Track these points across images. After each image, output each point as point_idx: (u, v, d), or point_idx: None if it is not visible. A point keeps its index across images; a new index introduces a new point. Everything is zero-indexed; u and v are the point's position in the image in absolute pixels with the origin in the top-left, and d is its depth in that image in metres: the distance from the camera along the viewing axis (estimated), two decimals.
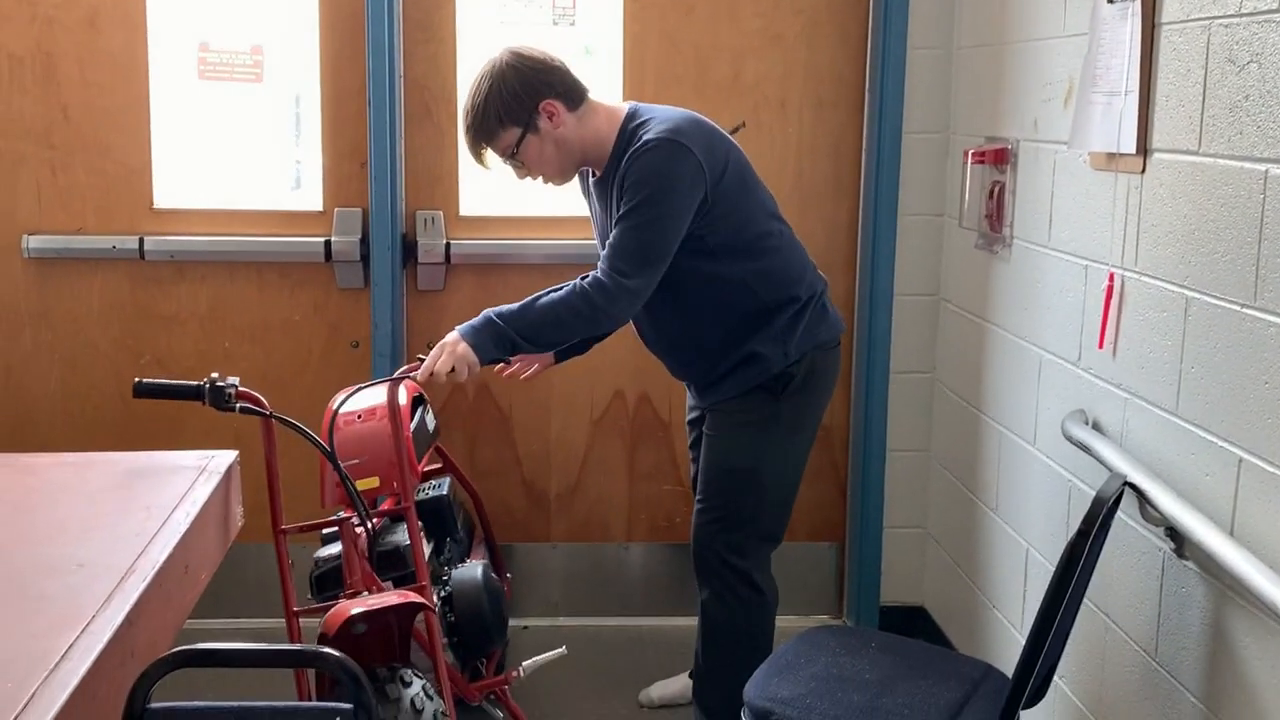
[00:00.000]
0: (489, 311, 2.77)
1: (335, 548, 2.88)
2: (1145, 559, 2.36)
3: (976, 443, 3.33)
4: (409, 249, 3.70)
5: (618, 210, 2.78)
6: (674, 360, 3.08)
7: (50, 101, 3.62)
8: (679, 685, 3.39)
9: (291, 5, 3.66)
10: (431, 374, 2.74)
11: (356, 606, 2.55)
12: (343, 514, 2.88)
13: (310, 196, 3.74)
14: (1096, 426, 2.57)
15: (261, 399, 2.70)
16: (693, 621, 3.17)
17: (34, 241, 3.65)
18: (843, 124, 3.73)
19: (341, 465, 2.76)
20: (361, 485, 2.80)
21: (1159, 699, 2.31)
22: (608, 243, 2.78)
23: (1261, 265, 1.97)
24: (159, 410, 3.71)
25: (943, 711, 2.32)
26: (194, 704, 1.68)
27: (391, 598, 2.64)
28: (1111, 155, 2.47)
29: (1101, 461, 2.43)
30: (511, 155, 2.84)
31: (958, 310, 3.51)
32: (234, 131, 3.72)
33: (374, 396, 2.94)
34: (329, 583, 2.84)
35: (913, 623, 3.74)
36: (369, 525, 2.83)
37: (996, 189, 3.15)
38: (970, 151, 3.24)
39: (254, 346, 3.73)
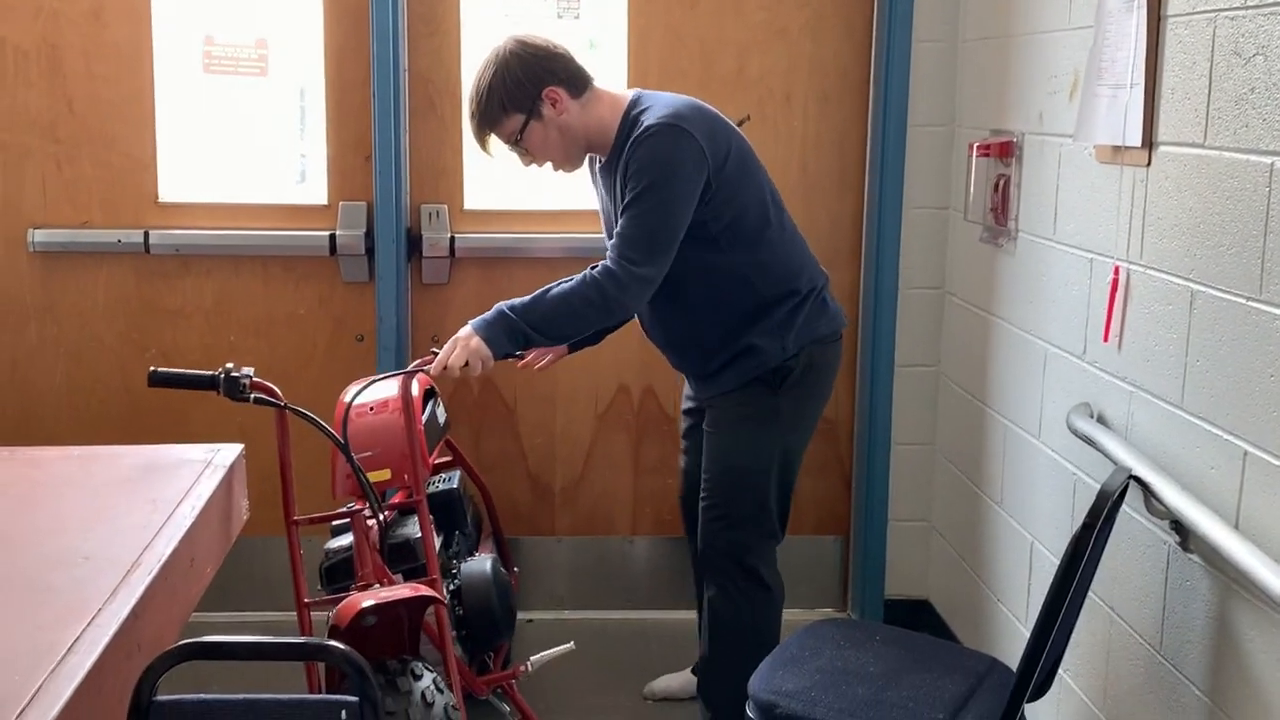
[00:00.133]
0: (502, 305, 2.76)
1: (345, 539, 2.88)
2: (1150, 552, 2.36)
3: (981, 436, 3.33)
4: (414, 243, 3.71)
5: (622, 198, 2.78)
6: (673, 351, 3.08)
7: (55, 95, 3.62)
8: (681, 680, 3.39)
9: None
10: (445, 368, 2.74)
11: (368, 599, 2.55)
12: (353, 506, 2.88)
13: (315, 190, 3.74)
14: (1101, 420, 2.56)
15: (276, 390, 2.69)
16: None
17: (39, 235, 3.65)
18: (847, 117, 3.73)
19: (354, 457, 2.76)
20: (373, 478, 2.80)
21: (1163, 692, 2.31)
22: (615, 232, 2.78)
23: (1267, 258, 1.97)
24: (164, 404, 3.73)
25: (947, 705, 2.32)
26: (200, 697, 1.68)
27: (403, 591, 2.64)
28: (1117, 148, 2.46)
29: (1106, 455, 2.42)
30: (515, 142, 2.86)
31: (963, 304, 3.51)
32: (239, 125, 3.73)
33: (386, 389, 2.94)
34: (339, 574, 2.84)
35: (917, 616, 3.74)
36: (381, 518, 2.83)
37: (1002, 182, 3.15)
38: (975, 145, 3.24)
39: (259, 340, 3.73)
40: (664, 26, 3.67)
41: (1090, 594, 2.46)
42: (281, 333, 3.75)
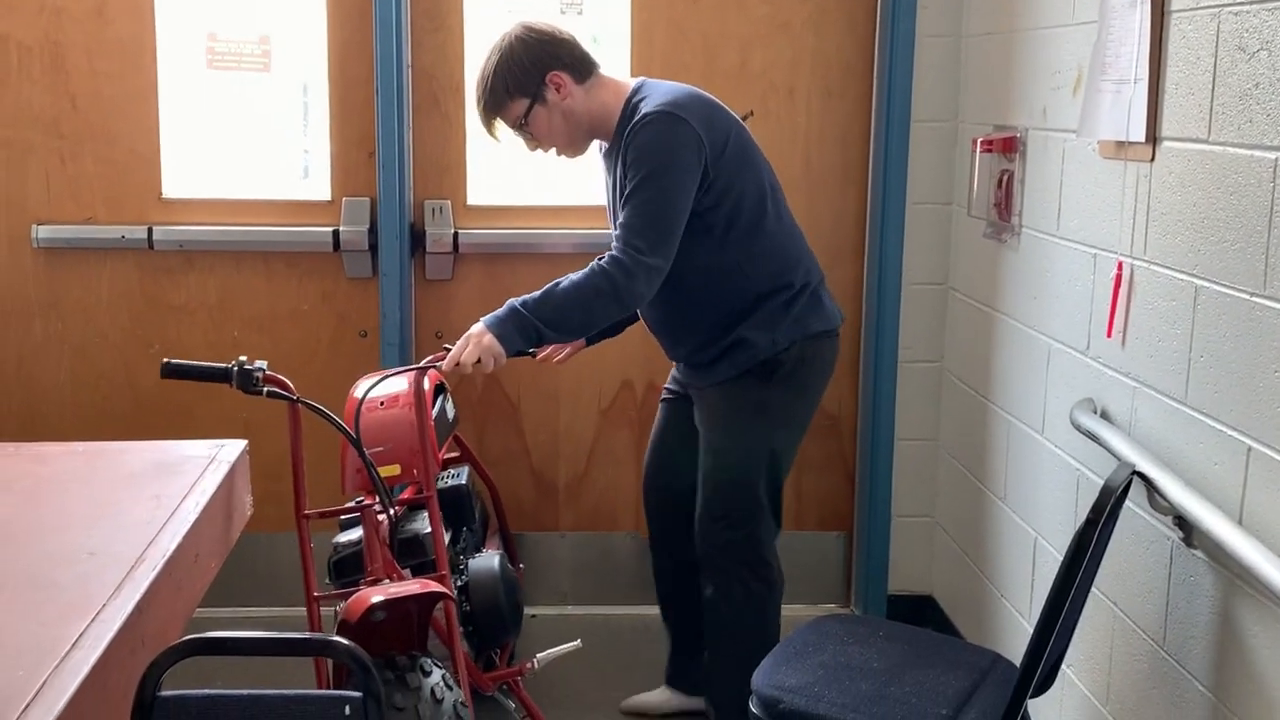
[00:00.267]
0: (514, 301, 2.75)
1: (354, 533, 2.88)
2: (1154, 548, 2.35)
3: (985, 432, 3.33)
4: (417, 238, 3.71)
5: (623, 186, 2.80)
6: (667, 338, 3.08)
7: (59, 91, 3.62)
8: (658, 697, 3.34)
9: None
10: (457, 364, 2.73)
11: (377, 594, 2.54)
12: (361, 500, 2.88)
13: (318, 186, 3.74)
14: (1105, 415, 2.56)
15: (288, 383, 2.69)
16: None
17: (43, 231, 3.66)
18: (851, 112, 3.72)
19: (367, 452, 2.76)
20: (383, 473, 2.80)
21: (1167, 687, 2.31)
22: (619, 223, 2.79)
23: (1271, 254, 1.97)
24: (168, 400, 3.74)
25: (950, 700, 2.32)
26: (204, 692, 1.68)
27: (413, 586, 2.64)
28: (1121, 143, 2.46)
29: (1110, 450, 2.42)
30: (520, 126, 2.88)
31: (966, 299, 3.51)
32: (242, 121, 3.73)
33: (396, 384, 2.94)
34: (347, 568, 2.84)
35: (921, 612, 3.74)
36: (391, 513, 2.83)
37: (1005, 177, 3.14)
38: (979, 140, 3.23)
39: (262, 336, 3.74)
40: (666, 20, 3.67)
41: (1093, 590, 2.46)
42: (285, 328, 3.75)
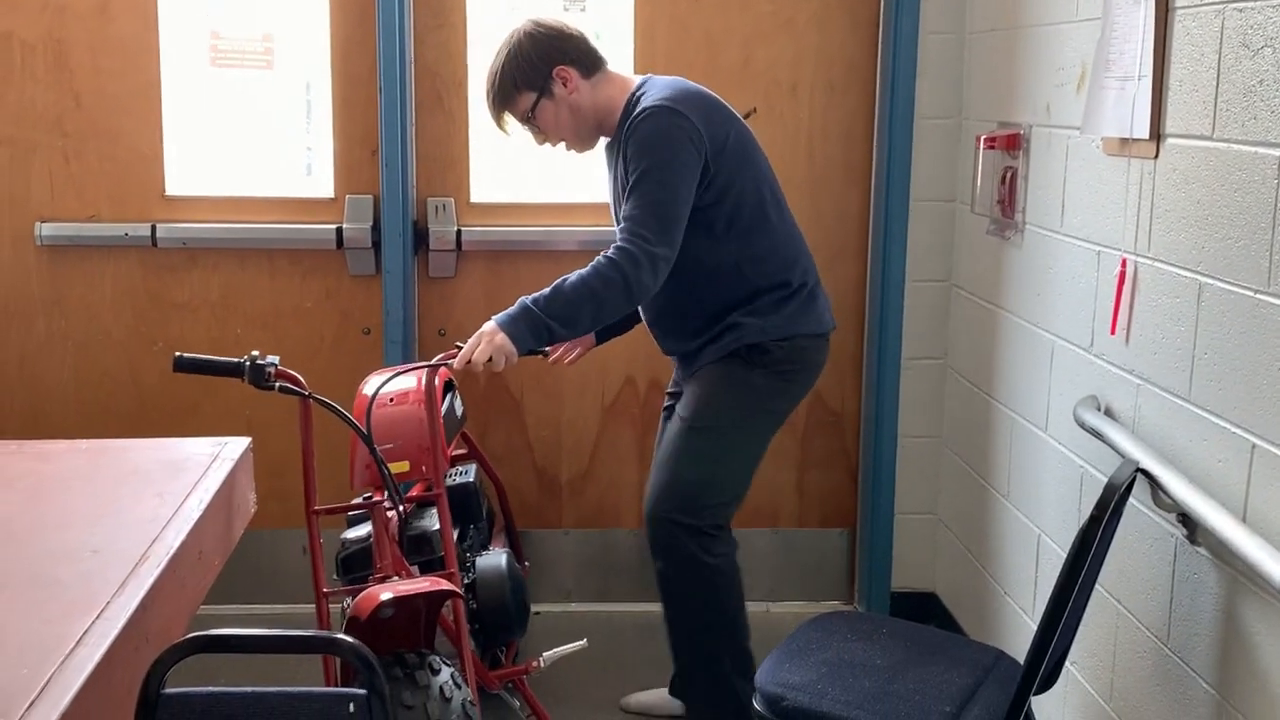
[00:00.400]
0: (525, 299, 2.75)
1: (362, 530, 2.88)
2: (1157, 545, 2.35)
3: (988, 429, 3.33)
4: (420, 236, 3.71)
5: (625, 181, 2.82)
6: (660, 332, 3.09)
7: (62, 89, 3.63)
8: (656, 697, 3.31)
9: None
10: (469, 363, 2.73)
11: (387, 591, 2.54)
12: (369, 496, 2.87)
13: (321, 183, 3.74)
14: (1108, 412, 2.56)
15: (300, 379, 2.69)
16: None
17: (46, 229, 3.66)
18: (854, 109, 3.72)
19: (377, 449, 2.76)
20: (392, 469, 2.80)
21: (1171, 685, 2.31)
22: (623, 216, 2.80)
23: (1275, 251, 1.97)
24: (172, 397, 3.74)
25: (954, 697, 2.32)
26: (209, 689, 1.68)
27: (422, 584, 2.64)
28: (1124, 140, 2.46)
29: (1113, 447, 2.42)
30: (528, 120, 2.93)
31: (969, 296, 3.51)
32: (245, 119, 3.73)
33: (405, 381, 2.95)
34: (355, 564, 2.84)
35: (924, 609, 3.74)
36: (401, 509, 2.83)
37: (1009, 174, 3.14)
38: (982, 137, 3.23)
39: (266, 333, 3.74)
40: (669, 18, 3.67)
41: (1097, 587, 2.46)
42: (288, 326, 3.76)
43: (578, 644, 3.08)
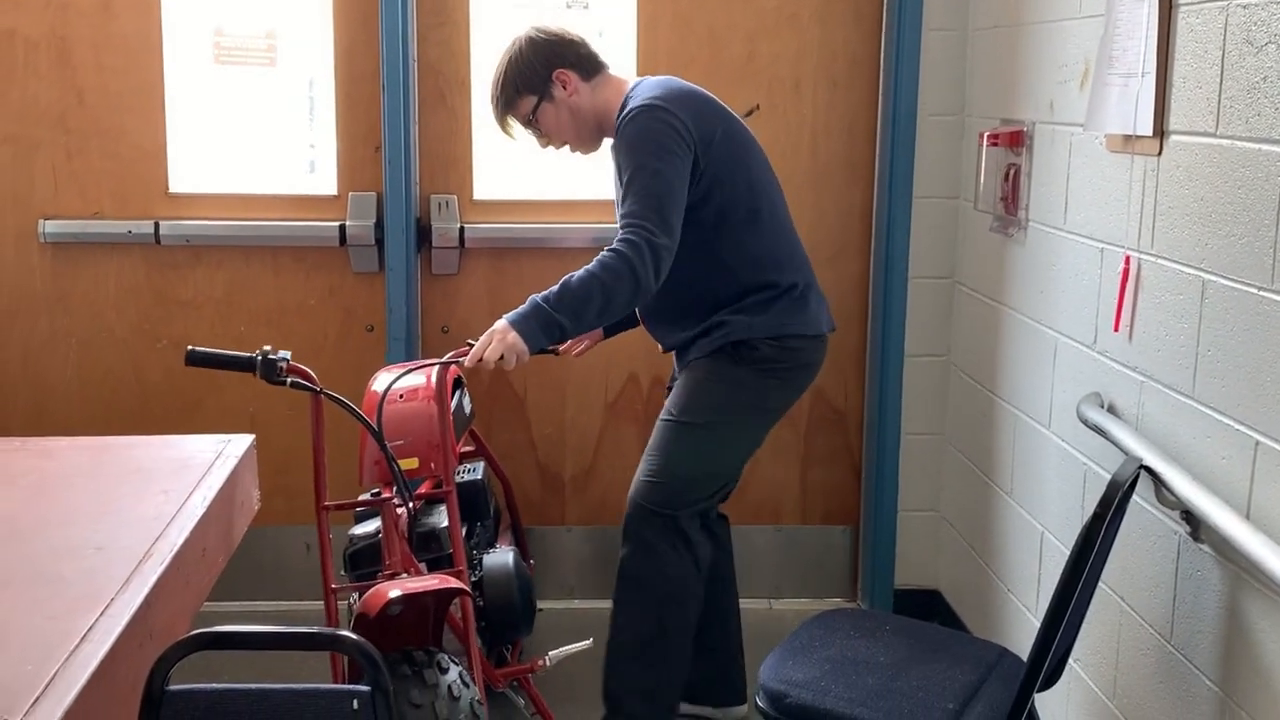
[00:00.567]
0: (535, 297, 2.75)
1: (369, 526, 2.89)
2: (1161, 542, 2.35)
3: (991, 426, 3.33)
4: (423, 233, 3.71)
5: (619, 180, 2.84)
6: (654, 327, 3.10)
7: (65, 86, 3.63)
8: None
9: None
10: (480, 361, 2.73)
11: (396, 589, 2.54)
12: (379, 492, 2.87)
13: (325, 181, 3.75)
14: (1112, 410, 2.56)
15: (312, 374, 2.69)
16: None
17: (50, 226, 3.66)
18: (857, 105, 3.72)
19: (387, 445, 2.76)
20: (401, 466, 2.80)
21: (1174, 682, 2.31)
22: (622, 214, 2.81)
23: (1279, 248, 1.96)
24: (175, 395, 3.75)
25: (957, 694, 2.33)
26: (213, 686, 1.69)
27: (431, 581, 2.63)
28: (1128, 137, 2.46)
29: (1117, 445, 2.42)
30: (530, 123, 2.99)
31: (972, 293, 3.51)
32: (248, 116, 3.73)
33: (415, 378, 2.95)
34: (363, 560, 2.85)
35: (927, 606, 3.74)
36: (410, 506, 2.83)
37: (1012, 171, 3.14)
38: (985, 134, 3.23)
39: (269, 330, 3.74)
40: (672, 14, 3.67)
41: (1100, 584, 2.46)
42: (292, 323, 3.76)
43: (583, 643, 3.07)
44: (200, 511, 2.11)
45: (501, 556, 3.08)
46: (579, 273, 2.74)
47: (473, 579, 3.00)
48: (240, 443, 2.48)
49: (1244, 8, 2.06)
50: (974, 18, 3.52)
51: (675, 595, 2.93)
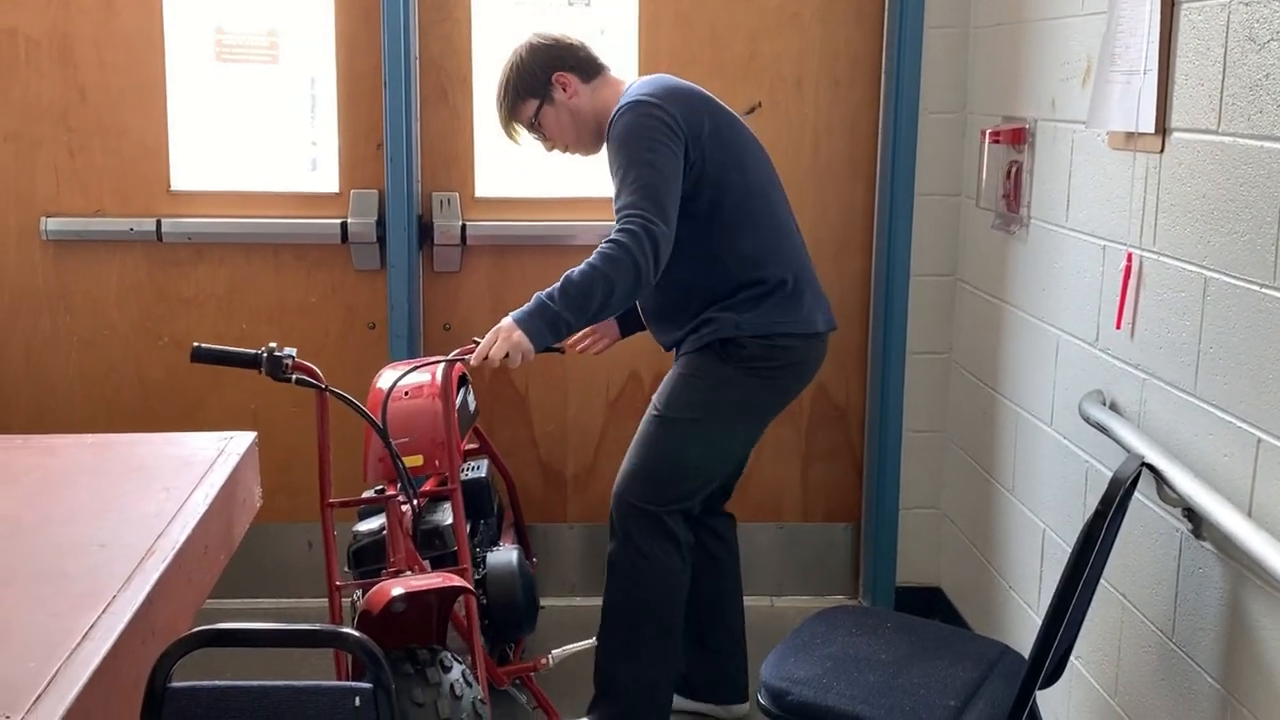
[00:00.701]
0: (540, 294, 2.75)
1: (373, 523, 2.89)
2: (1162, 540, 2.35)
3: (993, 423, 3.33)
4: (425, 230, 3.71)
5: (614, 179, 2.86)
6: (652, 323, 3.11)
7: (67, 83, 3.63)
8: None
9: None
10: (485, 358, 2.73)
11: (399, 587, 2.54)
12: (384, 489, 2.87)
13: (326, 178, 3.75)
14: (1114, 407, 2.56)
15: (317, 371, 2.69)
16: None
17: (52, 224, 3.66)
18: (859, 103, 3.72)
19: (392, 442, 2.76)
20: (406, 463, 2.80)
21: (1176, 679, 2.31)
22: (617, 208, 2.82)
23: None
24: (177, 392, 3.75)
25: (959, 692, 2.33)
26: (215, 683, 1.69)
27: (434, 580, 2.63)
28: (1130, 134, 2.46)
29: (1119, 442, 2.42)
30: (533, 126, 3.03)
31: (974, 290, 3.50)
32: (250, 113, 3.73)
33: (420, 375, 2.95)
34: (367, 557, 2.85)
35: (929, 603, 3.74)
36: (414, 503, 2.84)
37: (1014, 169, 3.14)
38: (987, 131, 3.23)
39: (271, 328, 3.74)
40: (674, 12, 3.67)
41: (1102, 581, 2.46)
42: (294, 320, 3.76)
43: (587, 642, 3.08)
44: (202, 509, 2.11)
45: (505, 555, 3.08)
46: (579, 267, 2.74)
47: (476, 577, 3.00)
48: (242, 440, 2.48)
49: (1246, 5, 2.06)
50: (975, 15, 3.52)
51: (660, 587, 2.94)
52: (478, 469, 3.28)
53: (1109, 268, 2.60)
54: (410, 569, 2.73)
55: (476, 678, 2.68)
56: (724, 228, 2.90)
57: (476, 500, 3.20)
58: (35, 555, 1.93)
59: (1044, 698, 2.42)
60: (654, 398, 3.00)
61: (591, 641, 3.08)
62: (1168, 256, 2.34)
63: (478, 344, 2.76)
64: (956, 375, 3.68)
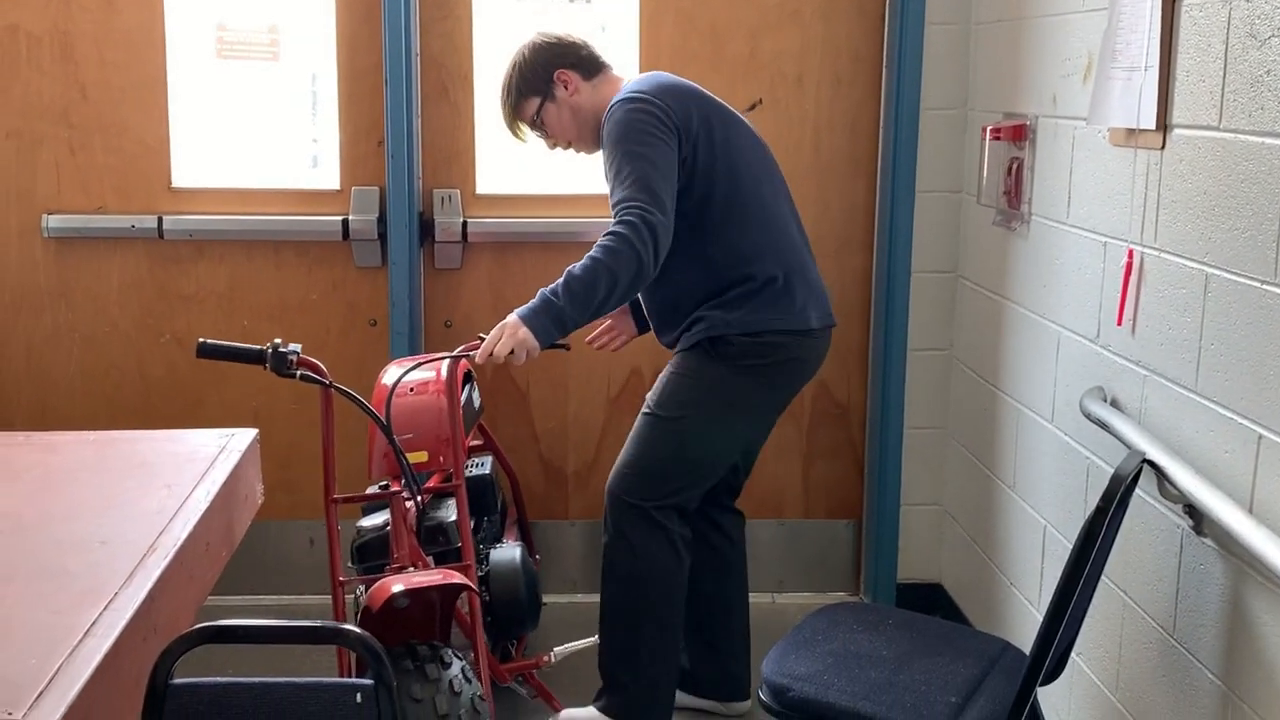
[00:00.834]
0: (544, 291, 2.75)
1: (377, 518, 2.89)
2: (1163, 536, 2.35)
3: (994, 420, 3.33)
4: (426, 227, 3.71)
5: (609, 176, 2.87)
6: (651, 319, 3.11)
7: (68, 81, 3.63)
8: (587, 714, 3.17)
9: None
10: (490, 355, 2.73)
11: (400, 583, 2.54)
12: (388, 485, 2.87)
13: (327, 175, 3.75)
14: (1115, 404, 2.56)
15: (322, 367, 2.69)
16: None
17: (53, 221, 3.67)
18: (860, 100, 3.71)
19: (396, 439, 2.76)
20: (410, 459, 2.80)
21: (1176, 676, 2.31)
22: (613, 203, 2.82)
23: None
24: (178, 389, 3.75)
25: (960, 688, 2.33)
26: (217, 680, 1.69)
27: (435, 576, 2.63)
28: (1131, 131, 2.45)
29: (1120, 439, 2.42)
30: (535, 124, 3.05)
31: (975, 287, 3.50)
32: (251, 111, 3.73)
33: (425, 371, 2.95)
34: (371, 552, 2.85)
35: (930, 600, 3.74)
36: (418, 500, 2.84)
37: (1015, 165, 3.14)
38: (988, 128, 3.22)
39: (273, 325, 3.74)
40: (675, 10, 3.67)
41: (1103, 578, 2.46)
42: (295, 317, 3.76)
43: (589, 640, 3.08)
44: (204, 506, 2.11)
45: (508, 552, 3.08)
46: (580, 262, 2.74)
47: (479, 574, 3.00)
48: (243, 437, 2.48)
49: (1247, 1, 2.06)
50: (976, 12, 3.51)
51: (652, 581, 2.96)
52: (482, 466, 3.28)
53: (1110, 264, 2.60)
54: (414, 565, 2.73)
55: (478, 674, 2.68)
56: (714, 224, 2.90)
57: (481, 497, 3.20)
58: (37, 552, 1.93)
59: (1045, 694, 2.42)
60: (648, 395, 3.01)
61: (593, 639, 3.08)
62: (1169, 253, 2.34)
63: (483, 340, 2.76)
64: (957, 372, 3.68)
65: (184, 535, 1.97)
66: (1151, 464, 2.25)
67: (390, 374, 2.97)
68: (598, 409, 3.86)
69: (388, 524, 2.82)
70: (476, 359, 2.77)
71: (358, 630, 1.72)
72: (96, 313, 3.73)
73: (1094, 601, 2.38)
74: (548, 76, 3.00)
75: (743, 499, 3.31)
